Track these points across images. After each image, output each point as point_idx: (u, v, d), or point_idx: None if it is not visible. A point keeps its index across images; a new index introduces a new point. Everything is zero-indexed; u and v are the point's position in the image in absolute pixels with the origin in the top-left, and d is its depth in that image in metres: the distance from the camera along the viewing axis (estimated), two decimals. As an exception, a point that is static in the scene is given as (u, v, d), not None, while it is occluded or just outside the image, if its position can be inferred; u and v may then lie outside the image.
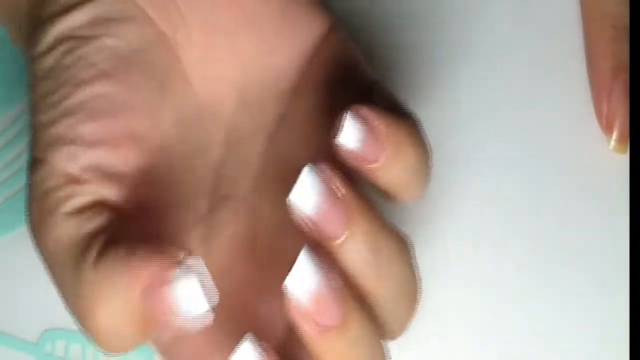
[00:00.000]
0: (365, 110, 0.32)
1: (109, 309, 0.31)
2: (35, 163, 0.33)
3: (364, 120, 0.32)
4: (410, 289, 0.33)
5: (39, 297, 0.39)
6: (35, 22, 0.34)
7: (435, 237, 0.40)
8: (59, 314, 0.39)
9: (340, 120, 0.32)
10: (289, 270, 0.31)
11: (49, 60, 0.33)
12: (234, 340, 0.31)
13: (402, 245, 0.33)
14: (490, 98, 0.42)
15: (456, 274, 0.40)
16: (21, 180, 0.41)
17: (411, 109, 0.34)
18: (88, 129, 0.33)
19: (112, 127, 0.33)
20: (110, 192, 0.33)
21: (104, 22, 0.34)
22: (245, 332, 0.31)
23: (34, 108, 0.34)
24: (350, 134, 0.32)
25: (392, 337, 0.34)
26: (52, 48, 0.33)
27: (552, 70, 0.42)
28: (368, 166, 0.32)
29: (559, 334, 0.39)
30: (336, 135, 0.32)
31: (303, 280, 0.31)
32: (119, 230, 0.32)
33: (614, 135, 0.41)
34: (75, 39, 0.33)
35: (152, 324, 0.31)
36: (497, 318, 0.39)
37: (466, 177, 0.41)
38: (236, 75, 0.36)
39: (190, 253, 0.31)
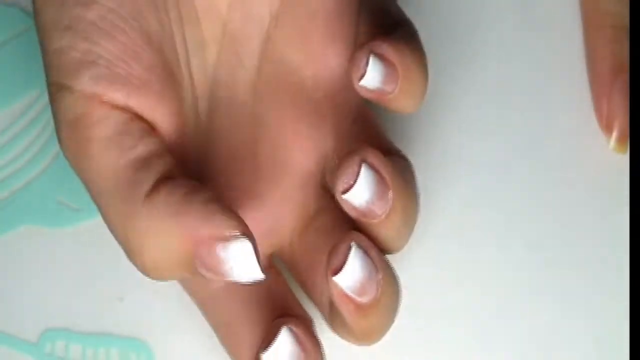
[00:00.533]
0: (384, 47, 0.33)
1: (158, 251, 0.32)
2: (58, 90, 0.33)
3: (383, 59, 0.33)
4: (415, 216, 0.35)
5: (39, 297, 0.39)
6: None
7: (435, 237, 0.40)
8: (59, 314, 0.39)
9: (359, 60, 0.33)
10: (294, 183, 0.35)
11: None
12: None
13: (416, 191, 0.35)
14: (490, 98, 0.42)
15: (456, 274, 0.40)
16: (21, 180, 0.41)
17: (405, 17, 0.36)
18: (107, 48, 0.33)
19: (128, 40, 0.33)
20: (139, 103, 0.33)
21: None
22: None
23: (45, 35, 0.33)
24: (372, 77, 0.33)
25: (394, 251, 0.36)
26: None
27: (552, 70, 0.42)
28: (383, 98, 0.33)
29: (559, 334, 0.39)
30: (357, 76, 0.33)
31: (352, 275, 0.33)
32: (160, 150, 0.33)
33: (614, 135, 0.41)
34: None
35: (199, 270, 0.32)
36: (496, 318, 0.39)
37: (465, 176, 0.41)
38: None
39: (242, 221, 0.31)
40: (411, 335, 0.39)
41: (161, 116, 0.34)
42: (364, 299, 0.33)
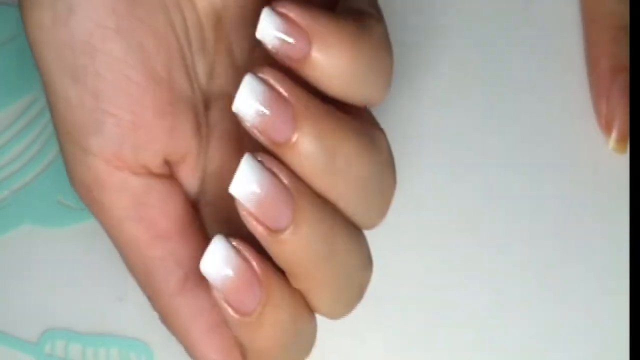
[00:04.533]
0: (285, 4, 0.30)
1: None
2: (69, 144, 0.33)
3: (281, 14, 0.30)
4: (379, 183, 0.32)
5: (39, 297, 0.39)
6: None
7: (434, 237, 0.40)
8: (59, 314, 0.39)
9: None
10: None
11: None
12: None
13: (366, 142, 0.31)
14: (490, 98, 0.42)
15: (455, 274, 0.40)
16: (21, 180, 0.41)
17: (380, 14, 0.32)
18: (115, 103, 0.32)
19: (137, 88, 0.32)
20: (151, 155, 0.33)
21: None
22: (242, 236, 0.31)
23: (50, 79, 0.32)
24: (266, 29, 0.30)
25: (368, 227, 0.33)
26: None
27: (552, 70, 0.42)
28: (298, 64, 0.30)
29: (559, 334, 0.39)
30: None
31: (245, 185, 0.30)
32: None
33: (613, 135, 0.41)
34: None
35: None
36: (496, 318, 0.39)
37: (465, 176, 0.41)
38: None
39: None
40: (411, 335, 0.39)
41: (175, 149, 0.33)
42: (273, 222, 0.30)
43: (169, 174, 0.34)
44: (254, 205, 0.30)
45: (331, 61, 0.30)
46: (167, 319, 0.34)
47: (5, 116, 0.41)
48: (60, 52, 0.32)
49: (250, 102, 0.30)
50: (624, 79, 0.41)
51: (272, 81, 0.30)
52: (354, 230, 0.32)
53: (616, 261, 0.40)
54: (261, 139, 0.30)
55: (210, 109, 0.34)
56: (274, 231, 0.30)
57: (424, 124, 0.41)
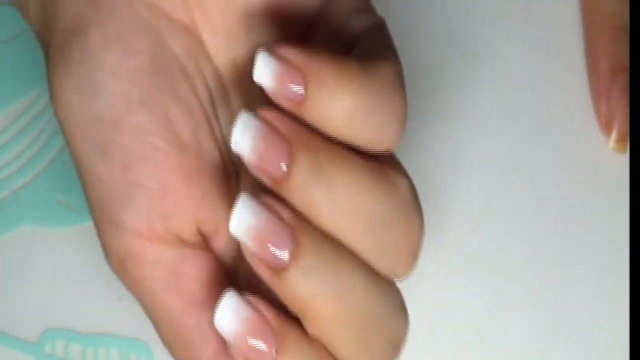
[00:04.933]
0: (281, 46, 0.30)
1: None
2: (104, 220, 0.33)
3: (277, 55, 0.30)
4: (396, 226, 0.31)
5: (39, 297, 0.39)
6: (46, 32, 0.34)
7: (434, 237, 0.40)
8: (59, 314, 0.39)
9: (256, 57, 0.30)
10: None
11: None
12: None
13: (375, 180, 0.31)
14: (490, 98, 0.42)
15: (455, 274, 0.40)
16: (21, 180, 0.41)
17: (394, 57, 0.32)
18: (144, 174, 0.32)
19: (164, 156, 0.32)
20: (182, 224, 0.33)
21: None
22: None
23: (80, 153, 0.33)
24: (262, 71, 0.30)
25: (395, 275, 0.32)
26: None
27: (552, 70, 0.42)
28: (296, 107, 0.30)
29: (559, 334, 0.39)
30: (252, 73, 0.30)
31: (242, 220, 0.30)
32: None
33: (613, 135, 0.41)
34: None
35: None
36: (496, 318, 0.39)
37: (465, 177, 0.41)
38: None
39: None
40: (411, 335, 0.39)
41: (207, 217, 0.33)
42: (274, 260, 0.30)
43: (203, 243, 0.33)
44: (252, 240, 0.30)
45: (329, 103, 0.30)
46: None
47: (5, 116, 0.41)
48: (89, 129, 0.32)
49: (244, 137, 0.30)
50: (624, 79, 0.41)
51: (265, 115, 0.30)
52: (374, 276, 0.31)
53: (616, 261, 0.40)
54: (259, 175, 0.30)
55: (242, 173, 0.34)
56: (278, 271, 0.30)
57: (424, 124, 0.41)
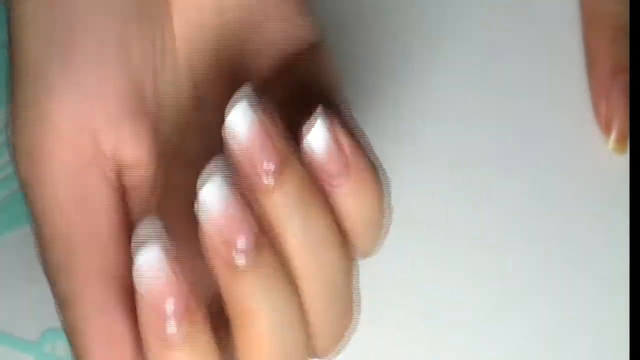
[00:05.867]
0: (334, 118, 0.30)
1: None
2: None
3: (333, 129, 0.30)
4: (339, 285, 0.31)
5: (39, 297, 0.39)
6: None
7: (434, 237, 0.40)
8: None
9: (311, 120, 0.30)
10: None
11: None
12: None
13: (339, 244, 0.31)
14: (490, 98, 0.42)
15: (455, 274, 0.40)
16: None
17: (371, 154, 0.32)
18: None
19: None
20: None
21: None
22: None
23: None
24: (318, 137, 0.30)
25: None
26: None
27: (552, 70, 0.42)
28: (330, 183, 0.30)
29: (559, 334, 0.39)
30: (306, 132, 0.30)
31: (212, 205, 0.29)
32: None
33: (613, 135, 0.41)
34: None
35: None
36: (496, 318, 0.39)
37: (465, 177, 0.41)
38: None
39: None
40: (411, 335, 0.39)
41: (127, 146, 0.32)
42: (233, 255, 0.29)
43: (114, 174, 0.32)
44: (215, 217, 0.29)
45: (351, 197, 0.31)
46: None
47: (5, 116, 0.41)
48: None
49: (242, 120, 0.29)
50: (624, 79, 0.41)
51: (267, 113, 0.30)
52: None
53: (616, 261, 0.40)
54: (244, 165, 0.29)
55: (186, 137, 0.34)
56: (232, 266, 0.29)
57: (424, 124, 0.41)
